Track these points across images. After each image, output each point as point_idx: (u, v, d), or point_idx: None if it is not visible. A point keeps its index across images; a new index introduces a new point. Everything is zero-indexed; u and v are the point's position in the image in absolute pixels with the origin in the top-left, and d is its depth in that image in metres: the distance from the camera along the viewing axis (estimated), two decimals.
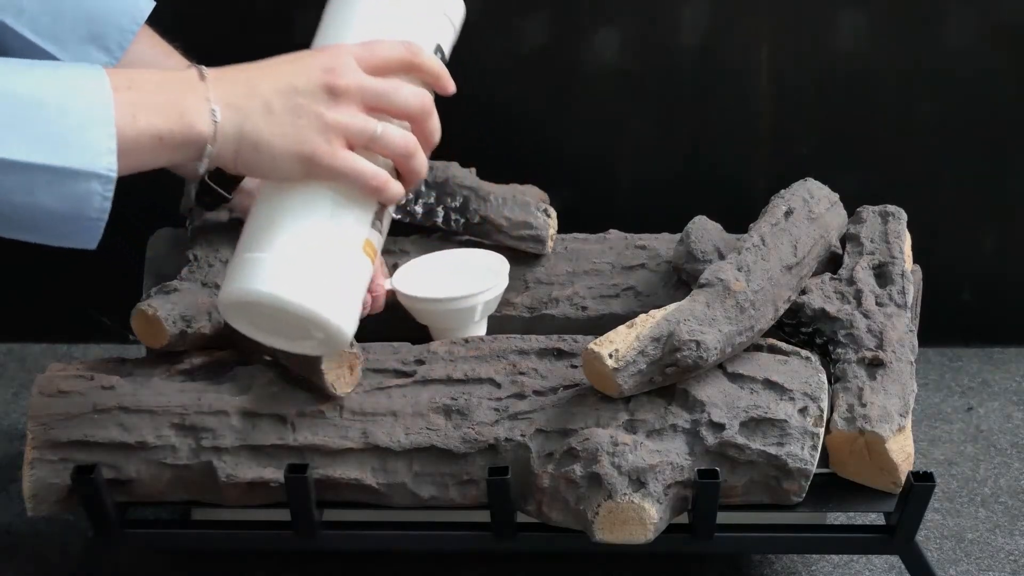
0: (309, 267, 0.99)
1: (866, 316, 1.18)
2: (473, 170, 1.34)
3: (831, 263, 1.25)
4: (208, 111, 0.97)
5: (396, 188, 1.02)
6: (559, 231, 1.34)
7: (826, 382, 1.13)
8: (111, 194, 0.94)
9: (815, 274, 1.22)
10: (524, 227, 1.31)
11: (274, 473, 1.10)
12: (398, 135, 1.02)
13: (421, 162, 1.03)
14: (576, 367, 1.14)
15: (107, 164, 0.93)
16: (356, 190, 1.01)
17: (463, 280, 1.23)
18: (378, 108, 1.01)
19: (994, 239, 1.60)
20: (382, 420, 1.12)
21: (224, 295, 1.01)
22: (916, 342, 1.18)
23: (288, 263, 0.99)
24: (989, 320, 1.63)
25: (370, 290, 1.22)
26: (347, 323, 1.02)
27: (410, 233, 1.35)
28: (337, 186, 1.01)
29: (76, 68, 0.96)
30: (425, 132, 1.03)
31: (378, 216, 1.03)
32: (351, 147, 1.00)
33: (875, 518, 1.27)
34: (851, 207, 1.28)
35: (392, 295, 1.23)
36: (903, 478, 1.11)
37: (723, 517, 1.10)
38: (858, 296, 1.20)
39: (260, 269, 0.99)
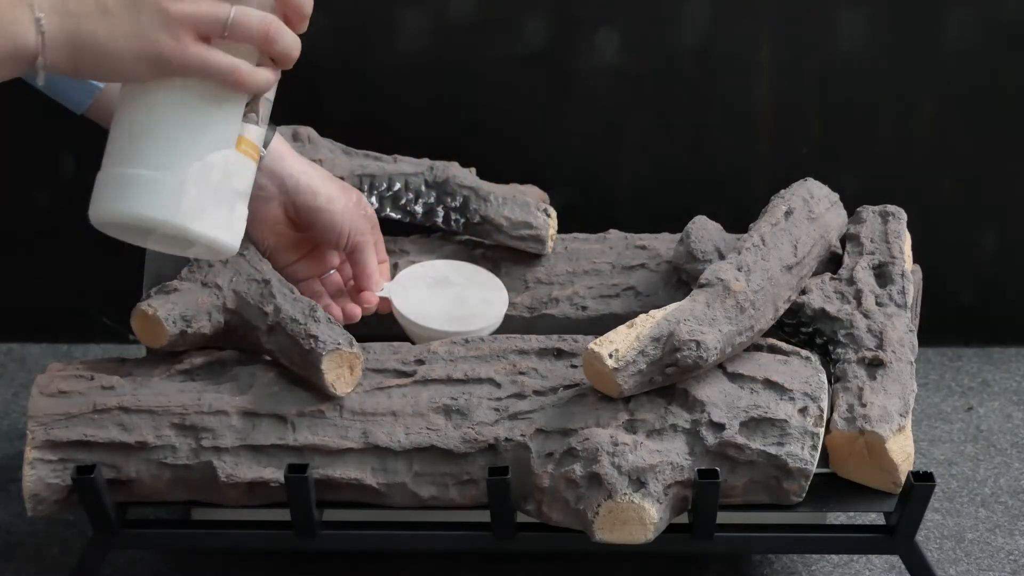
0: (182, 183, 0.94)
1: (866, 316, 1.18)
2: (473, 170, 1.34)
3: (831, 263, 1.25)
4: (32, 20, 0.89)
5: (259, 78, 0.94)
6: (559, 231, 1.34)
7: (826, 382, 1.13)
8: None
9: (815, 274, 1.22)
10: (524, 227, 1.31)
11: (274, 473, 1.10)
12: (254, 18, 0.93)
13: (288, 43, 0.94)
14: (576, 367, 1.14)
15: None
16: (216, 86, 0.94)
17: (459, 305, 1.23)
18: None
19: (994, 239, 1.60)
20: (382, 420, 1.12)
21: (96, 212, 0.96)
22: (916, 342, 1.18)
23: (160, 180, 0.94)
24: (989, 320, 1.63)
25: (359, 301, 1.21)
26: (228, 235, 0.98)
27: (410, 233, 1.35)
28: (196, 84, 0.94)
29: None
30: (292, 5, 0.95)
31: (251, 108, 0.97)
32: (206, 39, 0.93)
33: (875, 518, 1.27)
34: (851, 207, 1.28)
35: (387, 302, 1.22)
36: (903, 478, 1.11)
37: (723, 517, 1.10)
38: (858, 296, 1.20)
39: (129, 187, 0.94)
